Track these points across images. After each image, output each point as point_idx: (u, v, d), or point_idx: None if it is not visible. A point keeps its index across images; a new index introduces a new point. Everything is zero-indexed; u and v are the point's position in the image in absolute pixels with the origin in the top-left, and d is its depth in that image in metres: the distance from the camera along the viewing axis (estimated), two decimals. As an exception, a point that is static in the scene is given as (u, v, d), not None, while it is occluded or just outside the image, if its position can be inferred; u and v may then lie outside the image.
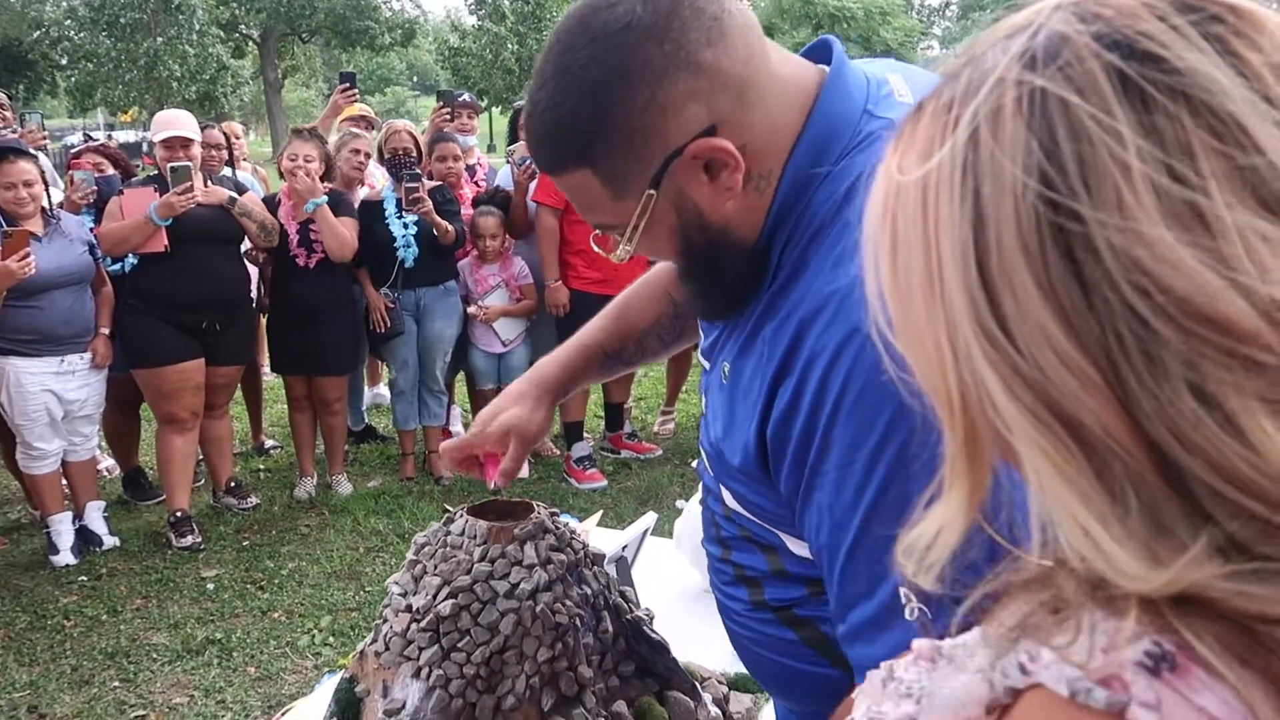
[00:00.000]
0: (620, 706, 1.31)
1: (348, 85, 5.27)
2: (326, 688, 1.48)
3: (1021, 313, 0.44)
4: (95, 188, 4.32)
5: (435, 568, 1.26)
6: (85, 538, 4.16)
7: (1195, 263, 0.41)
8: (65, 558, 4.03)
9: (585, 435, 5.07)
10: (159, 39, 28.08)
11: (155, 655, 3.32)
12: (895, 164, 0.51)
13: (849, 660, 0.93)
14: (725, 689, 1.53)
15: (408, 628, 1.23)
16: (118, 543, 4.20)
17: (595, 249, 1.07)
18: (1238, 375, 0.41)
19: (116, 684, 3.16)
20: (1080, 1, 0.47)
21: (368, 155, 4.86)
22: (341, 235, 4.34)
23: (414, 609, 1.24)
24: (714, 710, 1.45)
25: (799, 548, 0.98)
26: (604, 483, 4.81)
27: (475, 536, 1.27)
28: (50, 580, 3.89)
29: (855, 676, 0.91)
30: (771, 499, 0.97)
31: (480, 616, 1.21)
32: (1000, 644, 0.49)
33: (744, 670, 1.60)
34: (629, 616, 1.37)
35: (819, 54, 1.01)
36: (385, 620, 1.27)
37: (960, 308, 0.46)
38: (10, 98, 5.49)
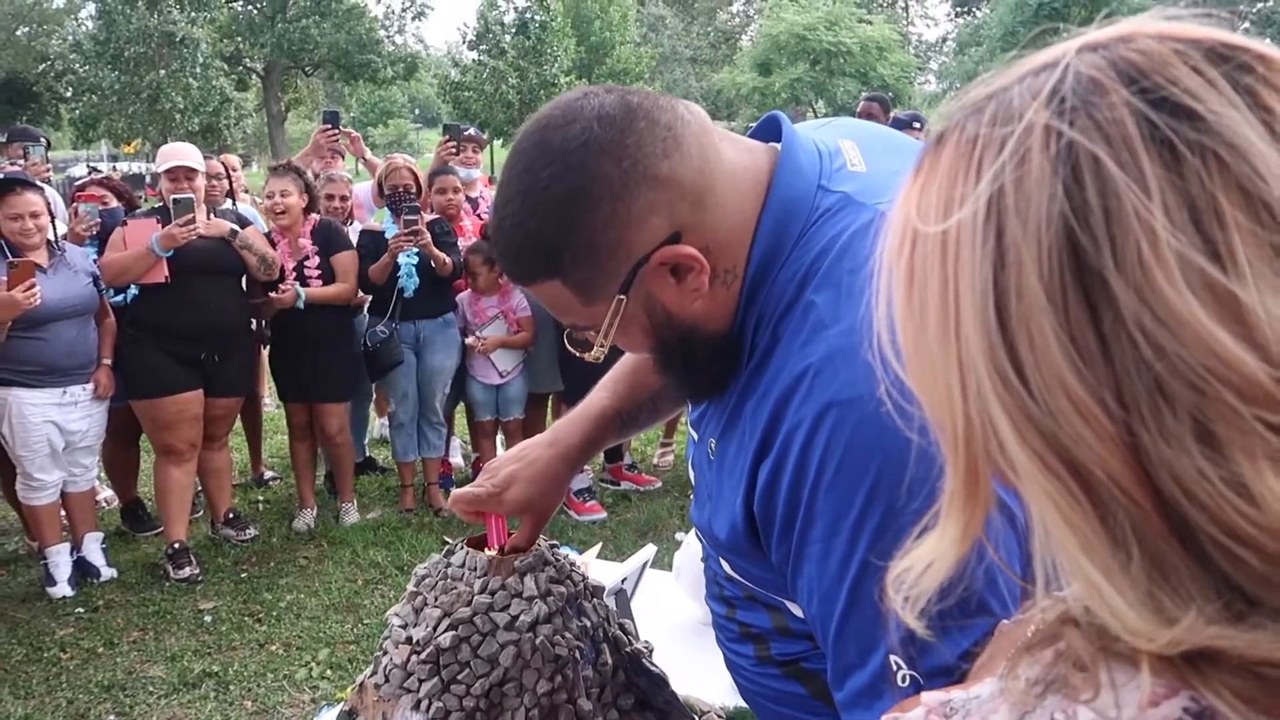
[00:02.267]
0: (619, 740, 1.31)
1: (329, 126, 5.35)
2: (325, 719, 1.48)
3: (1038, 358, 0.44)
4: (99, 220, 4.36)
5: (435, 599, 1.27)
6: (83, 569, 4.15)
7: (1214, 326, 0.41)
8: (62, 589, 4.02)
9: (584, 467, 5.07)
10: (162, 72, 28.37)
11: (152, 688, 3.30)
12: (915, 198, 0.51)
13: None
14: (724, 723, 1.53)
15: (408, 659, 1.23)
16: (115, 574, 4.19)
17: (570, 349, 1.08)
18: (1249, 435, 0.41)
19: (112, 717, 3.14)
20: (1108, 44, 0.46)
21: (344, 198, 4.92)
22: (344, 294, 4.54)
23: (414, 641, 1.24)
24: (713, 744, 1.45)
25: (800, 610, 1.00)
26: (603, 514, 4.80)
27: (475, 569, 1.28)
28: (47, 612, 3.88)
29: None
30: (766, 569, 0.99)
31: (480, 648, 1.22)
32: (1024, 700, 0.48)
33: (743, 704, 1.60)
34: (628, 649, 1.38)
35: (769, 131, 1.04)
36: (385, 652, 1.28)
37: (975, 348, 0.46)
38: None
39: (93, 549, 4.22)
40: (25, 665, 3.47)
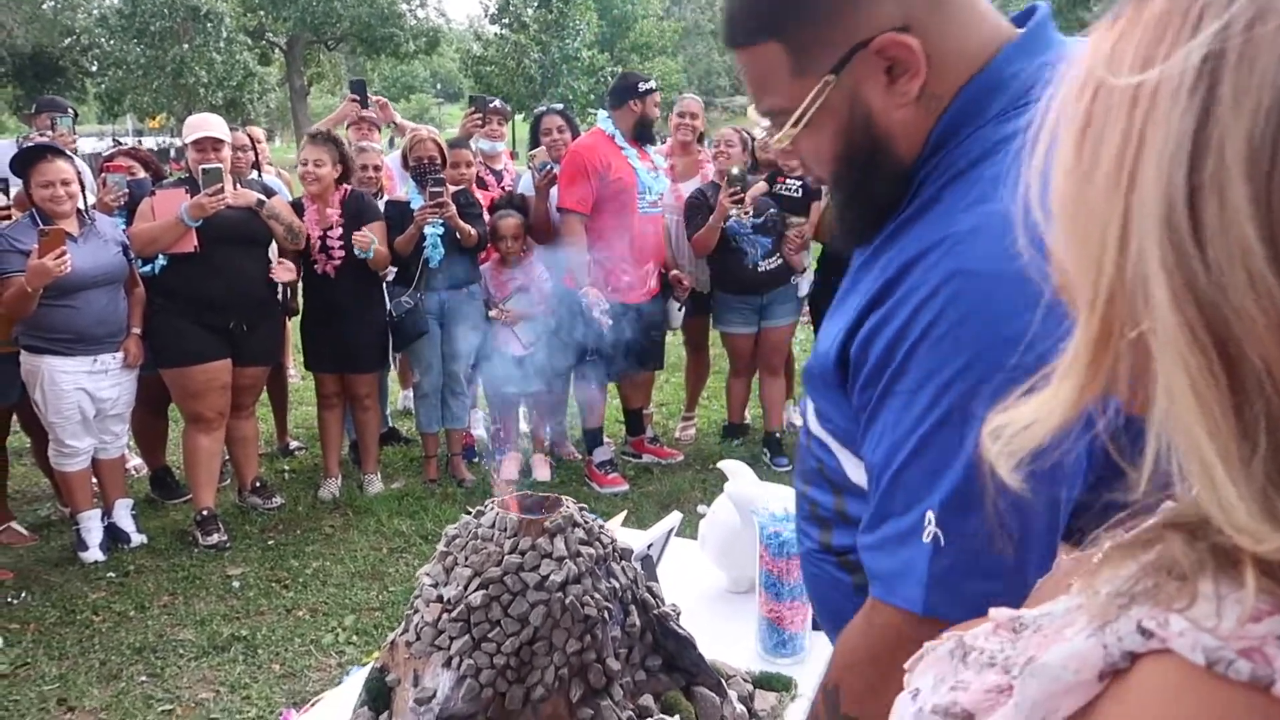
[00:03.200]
0: (647, 700, 1.32)
1: (356, 97, 5.36)
2: (355, 680, 1.50)
3: (1224, 224, 0.41)
4: (127, 190, 4.40)
5: (466, 559, 1.28)
6: (114, 535, 4.22)
7: None
8: (94, 554, 4.09)
9: (606, 440, 5.09)
10: (186, 46, 28.44)
11: (182, 651, 3.35)
12: (1106, 48, 0.48)
13: (865, 567, 0.97)
14: (751, 687, 1.53)
15: (439, 618, 1.25)
16: (145, 540, 4.26)
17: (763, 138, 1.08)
18: None
19: (144, 678, 3.20)
20: None
21: (377, 168, 4.93)
22: (383, 260, 4.54)
23: (445, 599, 1.26)
24: (739, 707, 1.45)
25: (858, 474, 1.01)
26: (625, 487, 4.82)
27: (506, 529, 1.29)
28: (79, 576, 3.94)
29: (870, 585, 0.95)
30: (844, 413, 1.01)
31: (511, 607, 1.23)
32: (1105, 611, 0.47)
33: (769, 669, 1.62)
34: (656, 611, 1.39)
35: (1026, 20, 1.02)
36: (416, 610, 1.29)
37: (1151, 204, 0.43)
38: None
39: (123, 515, 4.28)
40: (59, 627, 3.54)
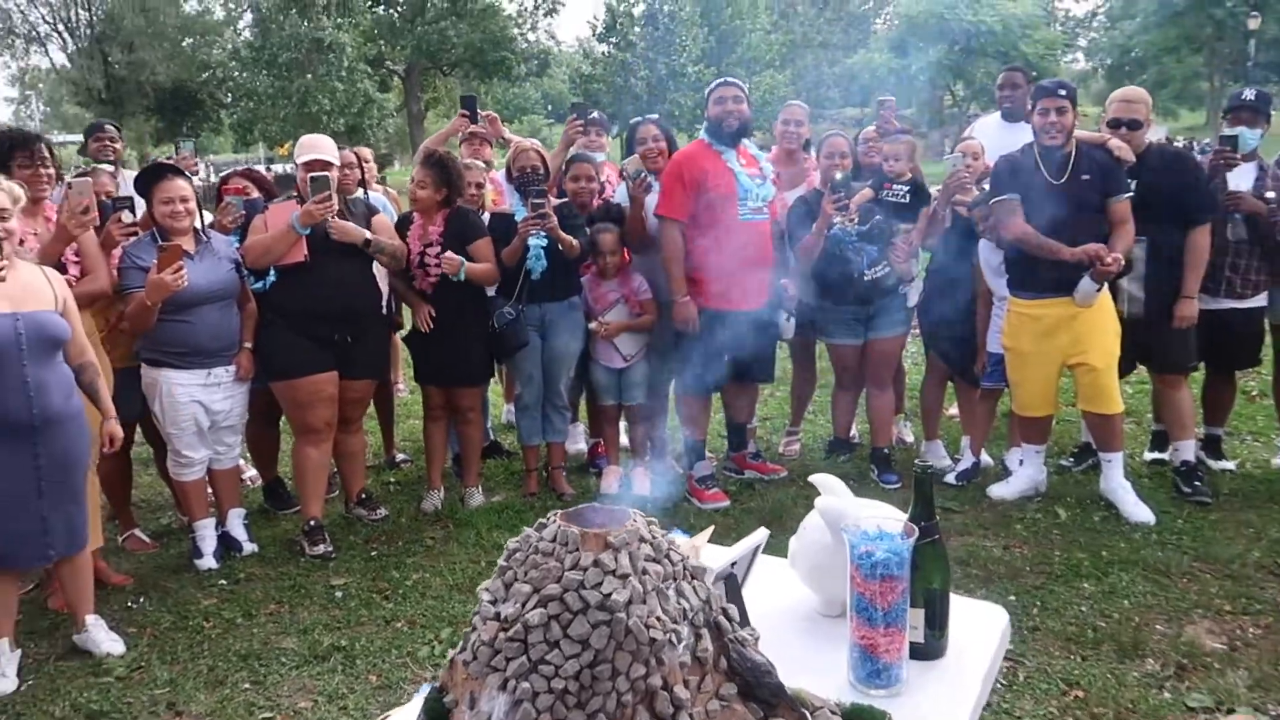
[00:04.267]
0: (720, 732, 1.22)
1: (467, 112, 5.44)
2: (422, 698, 1.44)
3: None
4: (243, 211, 4.56)
5: (525, 574, 1.21)
6: (227, 543, 4.35)
7: None
8: (208, 562, 4.22)
9: (708, 455, 4.99)
10: (310, 76, 29.82)
11: (284, 659, 3.40)
12: None
13: None
14: (839, 720, 1.41)
15: (495, 637, 1.18)
16: (256, 549, 4.37)
17: None
18: None
19: (247, 686, 3.26)
20: None
21: (480, 185, 4.98)
22: (490, 276, 4.60)
23: (502, 617, 1.18)
24: (825, 742, 1.34)
25: None
26: (726, 503, 4.70)
27: (567, 543, 1.21)
28: (193, 583, 4.07)
29: None
30: None
31: (570, 628, 1.15)
32: None
33: (861, 701, 1.49)
34: (731, 636, 1.29)
35: None
36: (474, 629, 1.23)
37: None
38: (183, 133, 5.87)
39: (236, 524, 4.41)
40: (172, 632, 3.65)
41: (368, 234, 4.30)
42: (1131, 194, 4.29)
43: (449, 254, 4.44)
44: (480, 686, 1.18)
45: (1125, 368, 4.62)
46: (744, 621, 1.48)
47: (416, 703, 1.51)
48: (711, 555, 1.69)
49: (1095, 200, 4.27)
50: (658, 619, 1.17)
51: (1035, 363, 4.43)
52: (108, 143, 4.84)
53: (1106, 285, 4.30)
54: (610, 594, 1.15)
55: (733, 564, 1.68)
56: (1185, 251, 4.43)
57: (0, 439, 3.18)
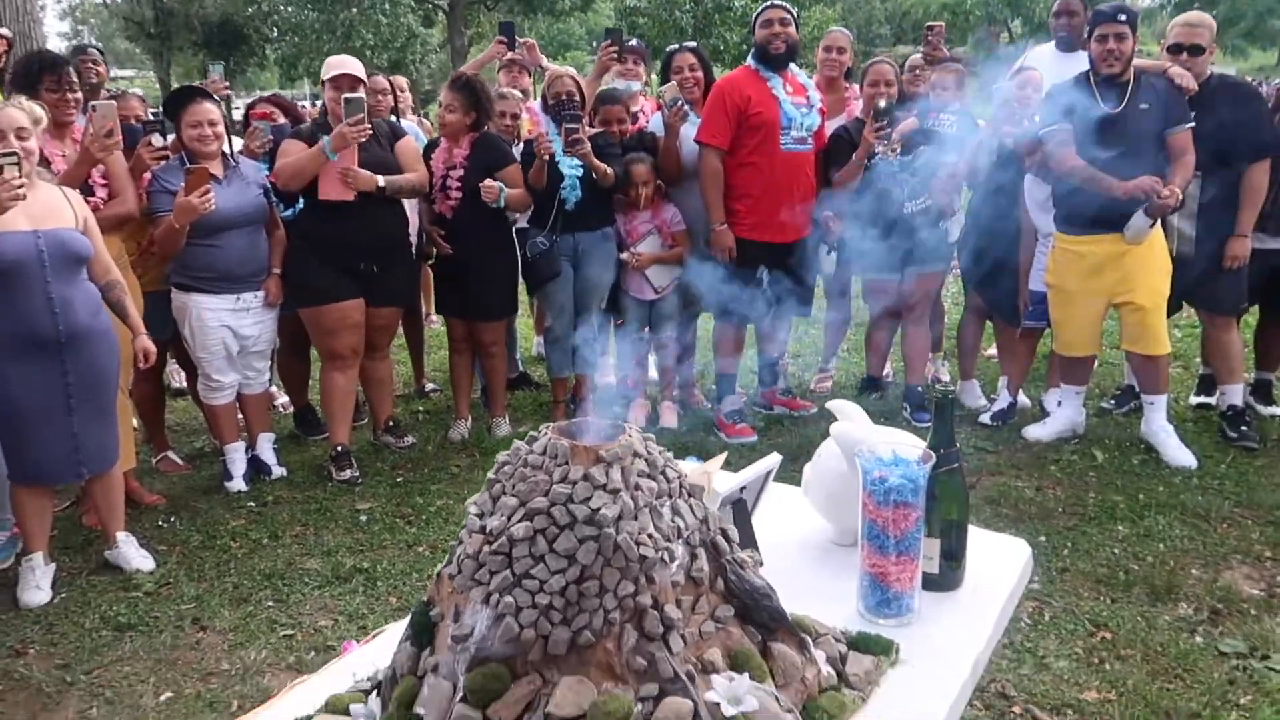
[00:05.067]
0: (714, 654, 1.17)
1: (504, 39, 5.32)
2: (417, 612, 1.41)
3: None
4: (271, 137, 4.51)
5: (513, 488, 1.16)
6: (256, 467, 4.40)
7: None
8: (238, 484, 4.27)
9: (738, 390, 4.92)
10: (355, 10, 29.55)
11: (307, 580, 3.44)
12: None
13: None
14: (844, 648, 1.36)
15: (479, 550, 1.13)
16: (284, 473, 4.42)
17: None
18: None
19: (271, 603, 3.30)
20: None
21: (515, 116, 4.87)
22: (524, 202, 4.53)
23: (488, 530, 1.14)
24: (826, 669, 1.28)
25: None
26: (754, 438, 4.65)
27: (556, 456, 1.16)
28: (223, 504, 4.13)
29: None
30: None
31: (556, 543, 1.10)
32: None
33: (869, 630, 1.43)
34: (729, 557, 1.23)
35: None
36: (460, 542, 1.18)
37: None
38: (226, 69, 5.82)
39: (265, 448, 4.45)
40: (200, 550, 3.71)
41: (380, 180, 4.19)
42: (1192, 124, 4.08)
43: (488, 182, 4.35)
44: (464, 600, 1.14)
45: (1172, 307, 4.45)
46: (745, 544, 1.43)
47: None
48: (723, 482, 1.64)
49: (1153, 131, 4.07)
50: (649, 536, 1.12)
51: (1080, 302, 4.27)
52: (90, 65, 4.80)
53: (1158, 222, 4.12)
54: (599, 509, 1.10)
55: (742, 489, 1.62)
56: (1242, 188, 4.22)
57: (29, 356, 3.21)
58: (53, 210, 3.25)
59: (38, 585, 3.38)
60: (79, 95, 3.88)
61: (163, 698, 2.80)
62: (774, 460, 1.72)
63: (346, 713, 1.23)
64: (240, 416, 4.44)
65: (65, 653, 3.05)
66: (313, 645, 3.01)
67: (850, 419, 1.72)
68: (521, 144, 4.84)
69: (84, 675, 2.92)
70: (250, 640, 3.07)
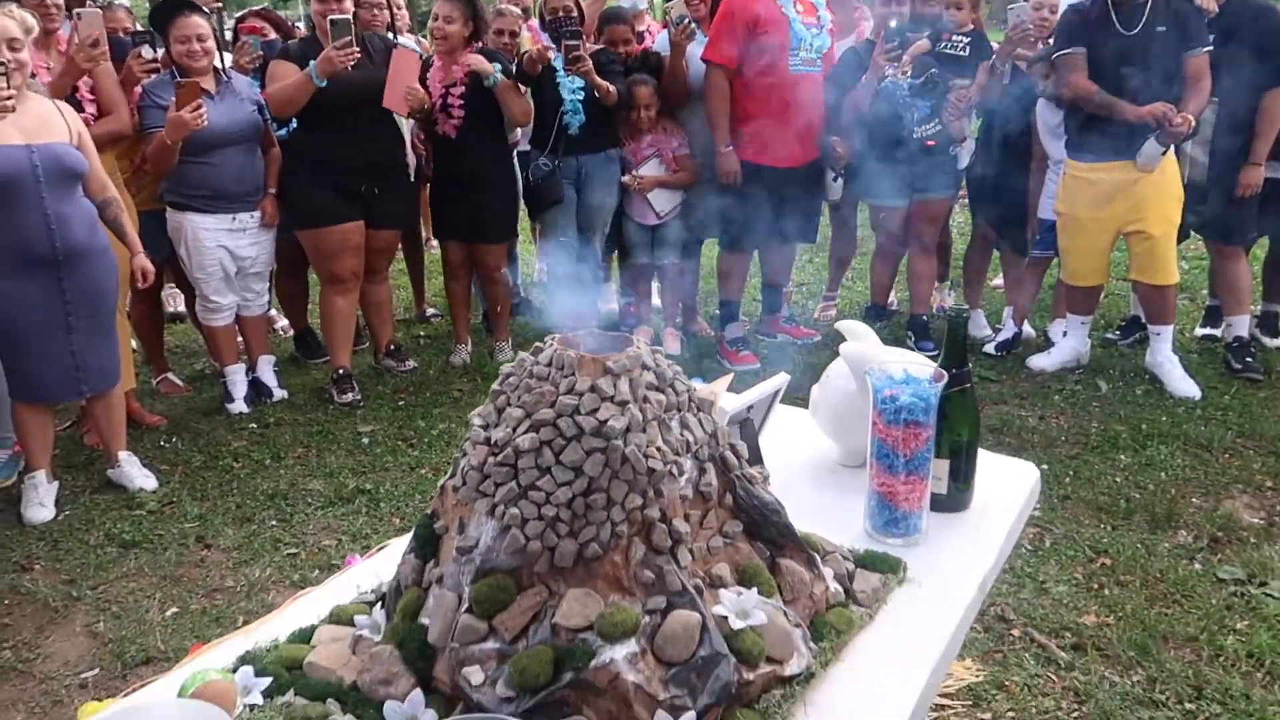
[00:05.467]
0: (722, 569, 1.16)
1: None
2: (421, 527, 1.40)
3: None
4: (261, 53, 4.39)
5: (518, 399, 1.13)
6: (257, 389, 4.39)
7: None
8: (239, 406, 4.26)
9: (742, 317, 4.89)
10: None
11: (310, 500, 3.45)
12: None
13: None
14: (851, 566, 1.35)
15: (484, 462, 1.11)
16: (286, 395, 4.41)
17: None
18: None
19: (274, 523, 3.31)
20: None
21: (513, 34, 4.73)
22: (521, 104, 4.35)
23: (492, 442, 1.12)
24: (834, 586, 1.27)
25: None
26: (757, 365, 4.62)
27: (563, 367, 1.13)
28: (224, 426, 4.12)
29: None
30: None
31: (563, 454, 1.08)
32: None
33: (876, 549, 1.42)
34: (738, 472, 1.21)
35: None
36: (465, 454, 1.16)
37: None
38: None
39: (266, 371, 4.44)
40: (203, 471, 3.72)
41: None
42: (1210, 48, 3.96)
43: (477, 57, 4.21)
44: (469, 512, 1.12)
45: (1180, 235, 4.39)
46: (754, 460, 1.41)
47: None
48: (729, 403, 1.61)
49: (1170, 54, 3.95)
50: (657, 449, 1.10)
51: (1089, 230, 4.21)
52: None
53: (1171, 148, 4.03)
54: (606, 420, 1.07)
55: (749, 408, 1.60)
56: (1259, 115, 4.12)
57: (26, 273, 3.17)
58: (46, 124, 3.18)
59: (41, 502, 3.39)
60: (60, 1, 3.75)
61: (168, 613, 2.83)
62: (782, 380, 1.69)
63: (351, 623, 1.22)
64: (240, 339, 4.41)
65: (70, 568, 3.07)
66: (317, 564, 3.03)
67: (860, 339, 1.69)
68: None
69: (90, 590, 2.95)
70: (254, 558, 3.09)
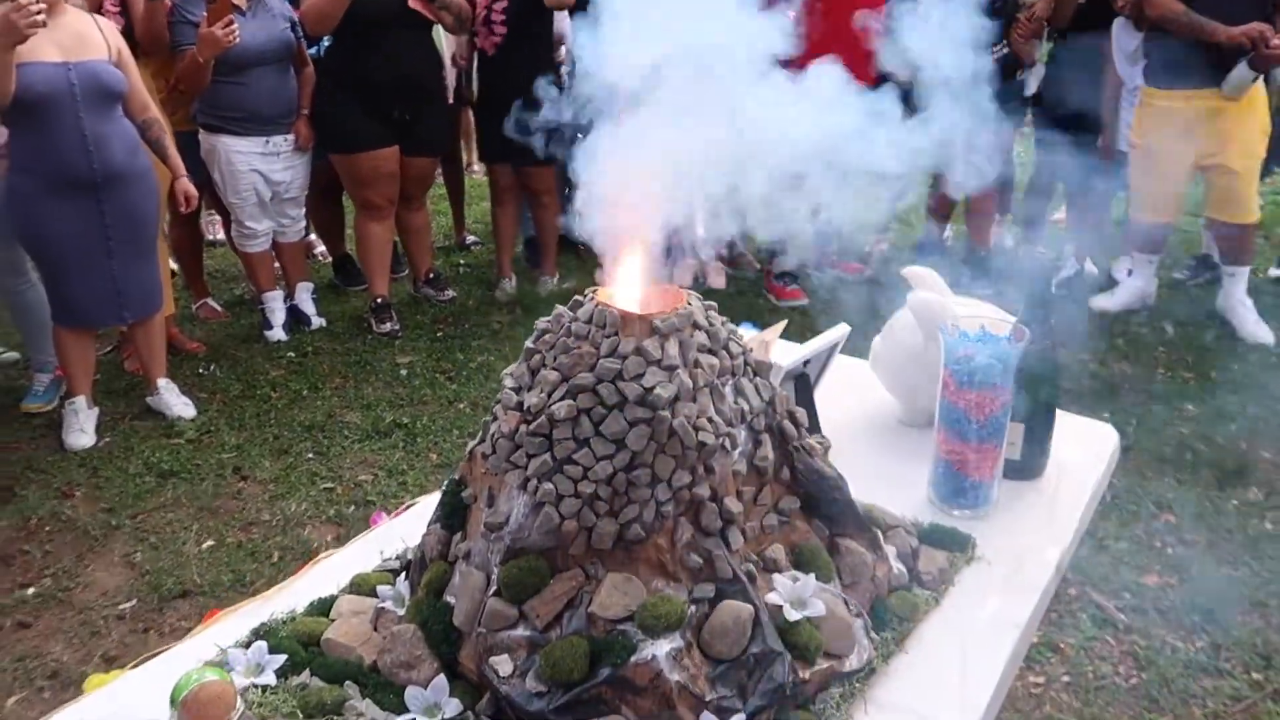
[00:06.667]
0: (777, 550, 1.05)
1: None
2: (450, 486, 1.31)
3: None
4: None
5: (554, 360, 1.02)
6: (295, 316, 4.33)
7: None
8: (277, 334, 4.21)
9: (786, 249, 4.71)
10: None
11: (347, 433, 3.41)
12: None
13: None
14: (915, 542, 1.23)
15: (516, 429, 1.00)
16: (324, 323, 4.35)
17: None
18: None
19: (310, 455, 3.28)
20: None
21: None
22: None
23: (525, 407, 1.01)
24: (897, 566, 1.16)
25: None
26: (805, 300, 4.47)
27: (605, 326, 1.01)
28: (262, 354, 4.08)
29: None
30: None
31: (603, 425, 0.97)
32: None
33: (943, 523, 1.30)
34: (797, 444, 1.09)
35: None
36: (495, 418, 1.06)
37: None
38: None
39: (304, 298, 4.38)
40: (241, 400, 3.68)
41: None
42: (1311, -36, 3.65)
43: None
44: (499, 484, 1.02)
45: (1264, 171, 4.11)
46: (813, 428, 1.29)
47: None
48: (783, 352, 1.49)
49: (1266, -30, 3.64)
50: (709, 420, 0.98)
51: (1165, 162, 3.95)
52: None
53: (1261, 76, 3.74)
54: (653, 388, 0.96)
55: (806, 362, 1.48)
56: None
57: (65, 195, 3.11)
58: (84, 40, 3.08)
59: (81, 428, 3.38)
60: None
61: (205, 545, 2.81)
62: (842, 331, 1.56)
63: (373, 593, 1.14)
64: (277, 265, 4.34)
65: (110, 497, 3.07)
66: (352, 499, 2.99)
67: (928, 287, 1.55)
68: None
69: (129, 519, 2.94)
70: (290, 492, 3.05)
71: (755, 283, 4.70)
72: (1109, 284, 4.49)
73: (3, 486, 3.14)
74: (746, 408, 1.04)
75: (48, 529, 2.92)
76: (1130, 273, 4.34)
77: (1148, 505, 2.84)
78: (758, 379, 1.08)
